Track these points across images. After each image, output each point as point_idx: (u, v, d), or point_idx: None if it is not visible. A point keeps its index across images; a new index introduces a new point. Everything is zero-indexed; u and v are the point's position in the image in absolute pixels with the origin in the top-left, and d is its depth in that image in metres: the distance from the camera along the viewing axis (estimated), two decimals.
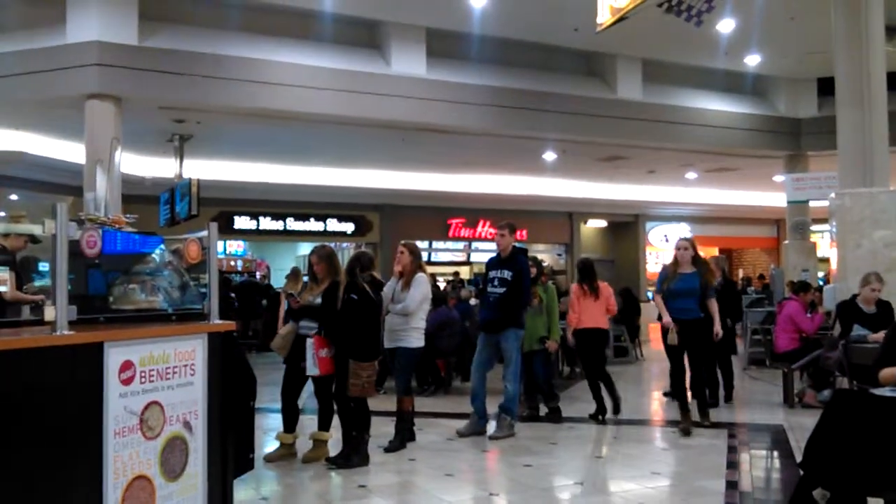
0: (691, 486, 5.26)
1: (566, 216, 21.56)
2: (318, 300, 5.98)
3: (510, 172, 17.50)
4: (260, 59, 10.95)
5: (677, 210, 22.55)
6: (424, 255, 19.87)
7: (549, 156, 15.44)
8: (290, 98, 11.18)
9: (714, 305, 7.14)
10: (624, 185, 19.80)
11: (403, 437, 6.45)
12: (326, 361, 5.86)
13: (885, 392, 3.57)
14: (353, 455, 5.82)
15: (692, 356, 7.14)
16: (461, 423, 7.09)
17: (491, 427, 7.00)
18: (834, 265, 9.15)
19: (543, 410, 7.81)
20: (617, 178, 18.60)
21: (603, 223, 23.16)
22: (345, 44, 11.93)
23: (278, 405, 6.22)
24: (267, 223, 18.79)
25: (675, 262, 7.33)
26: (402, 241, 6.94)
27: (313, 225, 19.25)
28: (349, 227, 19.58)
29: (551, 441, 6.73)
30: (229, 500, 3.52)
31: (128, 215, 3.74)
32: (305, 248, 19.19)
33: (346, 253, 20.17)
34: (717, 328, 7.06)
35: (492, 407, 7.03)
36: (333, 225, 19.45)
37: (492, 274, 7.20)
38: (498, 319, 7.02)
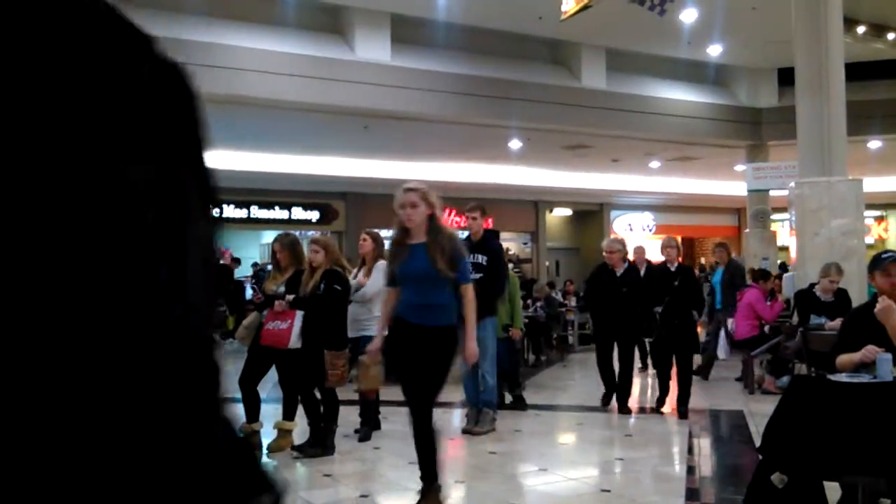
0: (654, 471, 5.33)
1: (532, 205, 21.65)
2: (282, 289, 5.91)
3: (475, 160, 17.51)
4: (222, 43, 10.79)
5: (641, 199, 22.78)
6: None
7: (515, 144, 15.49)
8: (253, 84, 11.04)
9: (468, 294, 4.46)
10: (589, 174, 19.93)
11: (371, 425, 6.44)
12: (275, 333, 5.78)
13: (841, 378, 3.65)
14: (320, 444, 5.80)
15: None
16: None
17: (456, 417, 7.00)
18: (793, 253, 9.31)
19: (508, 398, 7.84)
20: (582, 166, 18.71)
21: (568, 212, 23.31)
22: (308, 29, 11.82)
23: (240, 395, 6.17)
24: (230, 211, 18.57)
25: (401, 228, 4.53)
26: (365, 230, 6.88)
27: (278, 213, 19.08)
28: (314, 216, 19.44)
29: (516, 428, 6.76)
30: None
31: None
32: (269, 237, 19.04)
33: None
34: (471, 346, 4.43)
35: (457, 397, 7.03)
36: (298, 213, 19.30)
37: None
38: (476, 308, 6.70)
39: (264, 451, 5.93)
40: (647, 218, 23.61)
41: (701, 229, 26.48)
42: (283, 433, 6.04)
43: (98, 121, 0.53)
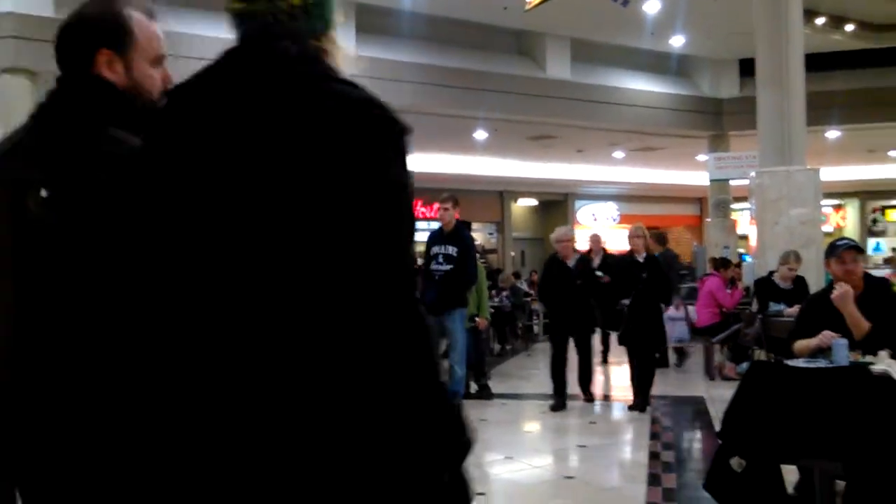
0: (617, 457, 5.40)
1: (497, 195, 21.69)
2: None
3: (441, 151, 17.50)
4: (183, 32, 10.61)
5: (605, 189, 22.95)
6: None
7: (480, 134, 15.50)
8: None
9: None
10: (554, 164, 20.03)
11: None
12: None
13: (798, 363, 3.72)
14: None
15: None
16: None
17: None
18: (753, 242, 9.46)
19: (474, 388, 7.87)
20: (547, 156, 18.80)
21: (534, 202, 23.41)
22: None
23: None
24: None
25: None
26: None
27: None
28: None
29: (482, 417, 6.79)
30: None
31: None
32: None
33: None
34: None
35: None
36: None
37: (435, 250, 6.88)
38: (445, 299, 6.70)
39: None
40: (612, 208, 23.81)
41: (664, 219, 26.75)
42: None
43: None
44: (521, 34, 14.20)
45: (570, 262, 7.32)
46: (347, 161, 1.13)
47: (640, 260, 7.24)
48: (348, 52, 1.36)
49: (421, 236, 7.44)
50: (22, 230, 1.44)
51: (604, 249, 9.02)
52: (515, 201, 22.70)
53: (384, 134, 1.19)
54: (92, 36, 1.59)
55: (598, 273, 7.70)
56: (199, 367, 1.15)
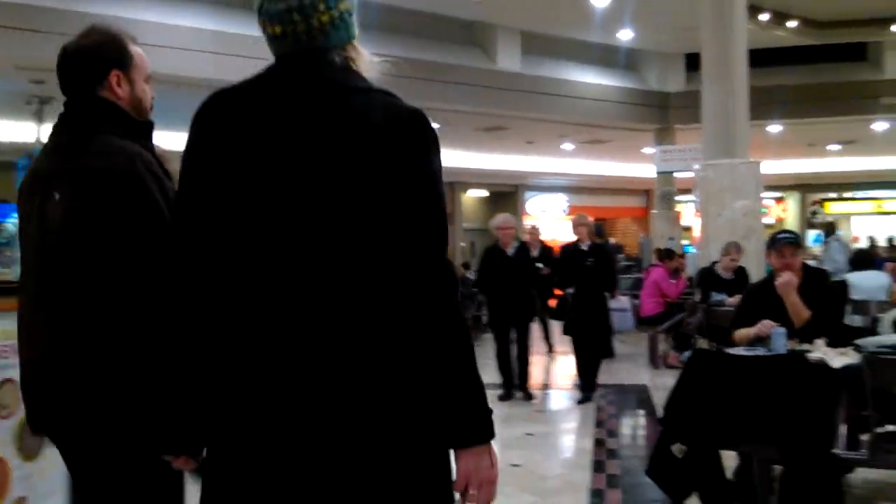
0: (562, 445, 5.47)
1: (448, 186, 21.62)
2: None
3: None
4: (130, 18, 10.36)
5: (555, 180, 23.15)
6: None
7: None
8: (164, 60, 10.64)
9: None
10: (504, 156, 20.12)
11: None
12: None
13: (738, 351, 3.81)
14: None
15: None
16: None
17: None
18: (697, 233, 9.65)
19: None
20: (497, 148, 18.87)
21: (484, 193, 23.49)
22: (222, 4, 11.49)
23: None
24: None
25: None
26: None
27: None
28: None
29: None
30: None
31: None
32: None
33: None
34: None
35: None
36: None
37: None
38: None
39: None
40: (561, 199, 24.04)
41: (612, 210, 27.13)
42: None
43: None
44: (472, 25, 14.20)
45: (510, 251, 7.19)
46: (413, 157, 1.47)
47: (585, 248, 7.18)
48: (369, 57, 1.63)
49: None
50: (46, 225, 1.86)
51: (541, 242, 8.92)
52: (466, 192, 22.75)
53: (428, 129, 1.52)
54: (106, 59, 1.99)
55: (539, 265, 7.61)
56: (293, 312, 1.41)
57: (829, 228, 16.24)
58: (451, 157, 19.55)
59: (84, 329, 1.83)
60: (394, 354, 1.41)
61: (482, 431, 1.43)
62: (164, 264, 1.52)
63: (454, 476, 1.44)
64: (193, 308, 1.47)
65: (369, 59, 1.63)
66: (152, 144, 2.02)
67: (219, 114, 1.53)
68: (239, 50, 11.21)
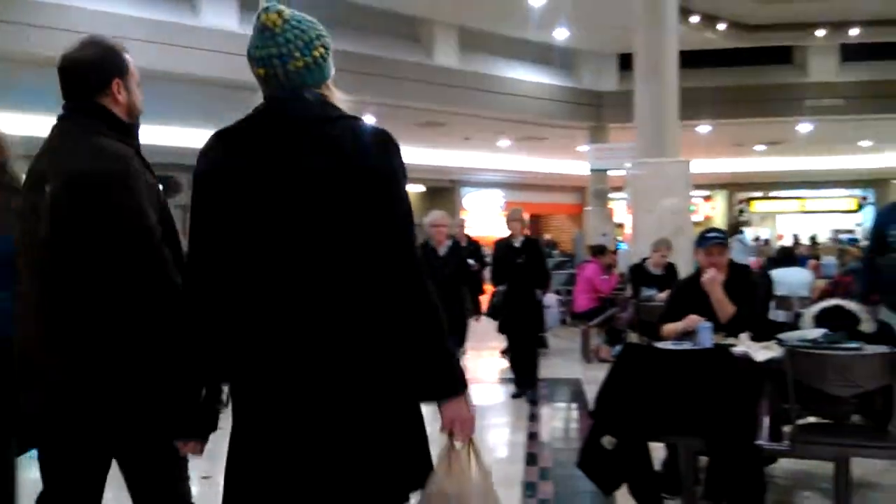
0: (496, 439, 5.51)
1: None
2: None
3: None
4: (66, 4, 10.03)
5: (491, 176, 23.29)
6: None
7: (368, 119, 15.30)
8: None
9: None
10: (441, 151, 20.14)
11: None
12: None
13: (666, 345, 3.89)
14: None
15: None
16: None
17: None
18: (628, 230, 9.83)
19: None
20: (435, 143, 18.87)
21: (421, 188, 23.48)
22: None
23: None
24: None
25: None
26: None
27: None
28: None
29: None
30: (11, 477, 3.06)
31: None
32: None
33: None
34: None
35: None
36: None
37: None
38: None
39: None
40: (497, 195, 24.19)
41: (547, 206, 27.44)
42: None
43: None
44: (409, 20, 14.15)
45: (442, 251, 6.90)
46: (383, 175, 1.81)
47: (517, 245, 7.01)
48: (341, 95, 1.96)
49: None
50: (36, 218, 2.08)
51: (468, 237, 8.76)
52: None
53: (396, 157, 1.85)
54: (108, 69, 2.24)
55: (469, 261, 7.48)
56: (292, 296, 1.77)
57: (733, 228, 16.74)
58: None
59: (80, 322, 2.06)
60: (372, 333, 1.78)
61: (455, 387, 1.84)
62: (181, 272, 1.98)
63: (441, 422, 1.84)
64: (203, 310, 1.81)
65: (340, 97, 1.96)
66: (138, 143, 2.33)
67: (218, 149, 1.88)
68: (176, 39, 10.96)
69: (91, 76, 2.22)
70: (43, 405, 2.11)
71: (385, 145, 1.85)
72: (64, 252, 2.05)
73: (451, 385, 1.84)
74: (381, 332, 1.79)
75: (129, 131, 2.28)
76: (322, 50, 1.93)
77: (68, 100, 2.24)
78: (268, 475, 1.78)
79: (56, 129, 2.22)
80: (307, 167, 1.77)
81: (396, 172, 1.83)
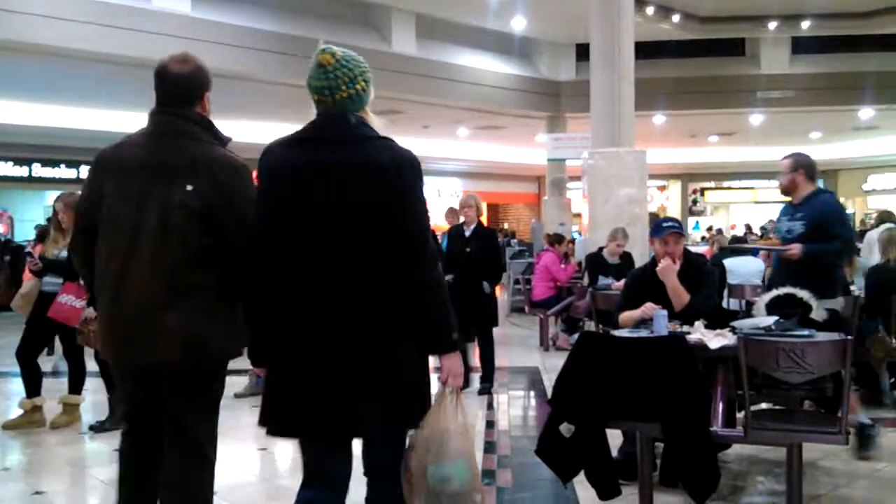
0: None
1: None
2: (64, 254, 5.40)
3: (284, 122, 16.99)
4: None
5: (450, 165, 23.29)
6: None
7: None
8: (36, 29, 10.03)
9: None
10: (399, 139, 19.81)
11: None
12: (68, 309, 5.34)
13: (623, 333, 3.93)
14: (109, 416, 5.45)
15: None
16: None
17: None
18: (585, 219, 9.90)
19: None
20: (393, 132, 18.62)
21: None
22: None
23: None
24: (8, 168, 16.92)
25: None
26: None
27: (64, 172, 17.61)
28: None
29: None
30: None
31: None
32: (55, 197, 17.52)
33: None
34: None
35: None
36: (87, 172, 17.92)
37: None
38: None
39: (47, 426, 5.50)
40: (456, 184, 24.19)
41: (506, 196, 27.55)
42: (69, 408, 5.63)
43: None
44: (366, 6, 14.03)
45: (468, 231, 6.65)
46: (405, 181, 2.37)
47: (467, 234, 6.60)
48: (377, 119, 2.51)
49: None
50: (173, 206, 2.59)
51: None
52: None
53: (416, 169, 2.44)
54: (204, 83, 2.80)
55: None
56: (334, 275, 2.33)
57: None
58: None
59: (196, 284, 2.63)
60: (393, 300, 2.35)
61: (452, 346, 2.43)
62: (249, 252, 2.42)
63: (441, 372, 2.43)
64: (266, 279, 2.38)
65: (376, 121, 2.51)
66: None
67: (278, 154, 2.42)
68: (121, 22, 10.70)
69: (191, 88, 2.76)
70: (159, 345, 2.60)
71: (411, 162, 2.42)
72: (204, 234, 2.62)
73: (449, 345, 2.42)
74: (398, 303, 2.35)
75: (218, 136, 2.79)
76: (363, 84, 2.48)
77: (167, 105, 2.74)
78: (302, 401, 2.34)
79: (159, 129, 2.73)
80: (355, 176, 2.34)
81: (417, 182, 2.43)
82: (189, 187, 2.58)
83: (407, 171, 2.38)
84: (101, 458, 4.92)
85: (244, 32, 11.95)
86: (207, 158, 2.65)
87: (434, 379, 2.41)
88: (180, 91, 2.72)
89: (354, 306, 2.31)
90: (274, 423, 2.40)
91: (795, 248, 4.65)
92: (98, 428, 5.43)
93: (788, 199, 5.09)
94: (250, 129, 17.58)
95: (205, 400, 2.72)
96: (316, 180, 2.33)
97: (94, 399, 6.13)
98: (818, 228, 4.72)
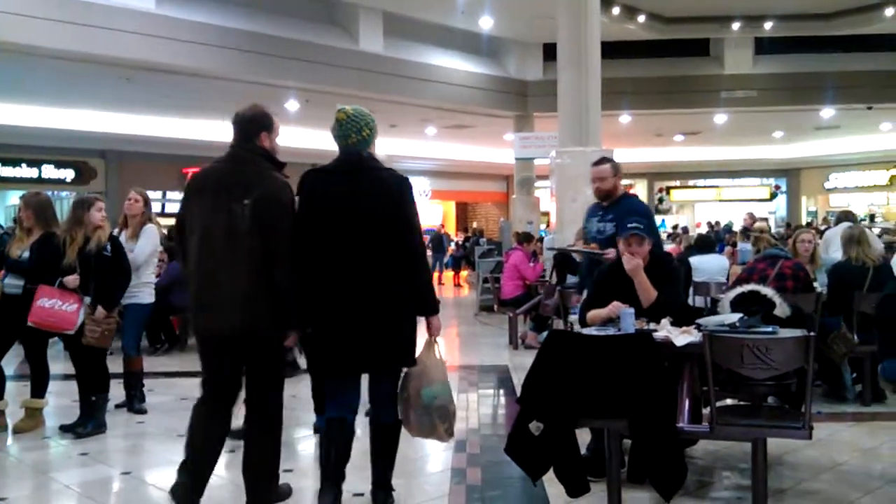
0: None
1: (310, 167, 21.26)
2: (26, 254, 5.29)
3: None
4: None
5: (418, 164, 23.27)
6: (157, 206, 18.72)
7: (292, 105, 15.13)
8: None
9: None
10: None
11: (137, 398, 6.08)
12: (58, 314, 5.24)
13: (591, 331, 3.96)
14: (91, 420, 5.36)
15: None
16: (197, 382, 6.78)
17: None
18: (553, 218, 9.95)
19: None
20: None
21: None
22: None
23: None
24: None
25: None
26: (136, 189, 6.36)
27: (26, 171, 17.33)
28: (69, 174, 17.87)
29: (292, 394, 6.66)
30: None
31: None
32: (17, 197, 17.20)
33: (67, 202, 18.38)
34: None
35: None
36: (50, 171, 17.64)
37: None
38: None
39: (9, 431, 5.39)
40: (424, 183, 24.18)
41: (474, 195, 27.59)
42: (32, 412, 5.52)
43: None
44: (333, 4, 13.98)
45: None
46: (402, 198, 3.52)
47: None
48: (381, 154, 3.60)
49: None
50: (233, 219, 3.44)
51: None
52: None
53: (410, 188, 3.57)
54: (261, 125, 3.63)
55: None
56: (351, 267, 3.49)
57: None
58: (313, 138, 19.17)
59: (261, 275, 3.46)
60: (395, 280, 3.50)
61: (436, 310, 3.63)
62: (296, 247, 3.47)
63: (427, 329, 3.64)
64: (307, 268, 3.48)
65: (379, 154, 3.62)
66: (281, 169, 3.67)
67: (314, 178, 3.61)
68: (83, 19, 10.53)
69: (251, 127, 3.61)
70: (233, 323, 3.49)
71: (408, 184, 3.59)
72: (256, 234, 3.44)
73: (433, 309, 3.64)
74: (399, 280, 3.51)
75: (281, 167, 3.65)
76: (368, 131, 3.60)
77: (236, 140, 3.61)
78: (336, 350, 3.49)
79: (233, 158, 3.61)
80: (367, 193, 3.49)
81: (412, 197, 3.58)
82: (245, 201, 3.43)
83: (406, 191, 3.54)
84: (65, 463, 4.84)
85: (209, 30, 11.84)
86: (258, 179, 3.50)
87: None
88: (243, 130, 3.61)
89: (371, 284, 3.45)
90: (320, 368, 3.57)
91: (612, 253, 4.64)
92: (68, 428, 5.33)
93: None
94: (218, 130, 17.46)
95: (263, 367, 3.58)
96: (341, 197, 3.48)
97: (59, 403, 6.03)
98: None
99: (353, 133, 3.53)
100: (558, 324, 7.80)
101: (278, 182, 3.56)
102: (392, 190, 3.47)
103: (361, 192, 3.45)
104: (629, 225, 4.43)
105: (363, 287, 3.44)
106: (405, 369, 3.59)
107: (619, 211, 4.93)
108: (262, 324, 3.49)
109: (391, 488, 3.77)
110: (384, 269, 3.45)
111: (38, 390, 5.55)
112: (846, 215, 9.49)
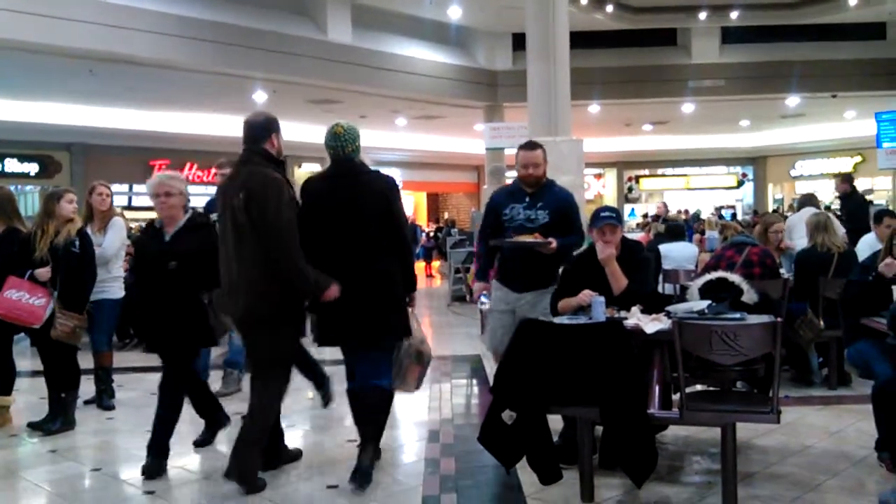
0: (398, 417, 5.51)
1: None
2: None
3: (216, 111, 16.68)
4: None
5: (388, 155, 23.18)
6: (124, 200, 18.47)
7: (260, 96, 14.97)
8: None
9: None
10: None
11: (106, 393, 6.00)
12: (24, 307, 5.11)
13: (562, 320, 3.99)
14: (60, 417, 5.28)
15: None
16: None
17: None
18: None
19: None
20: (330, 121, 18.37)
21: (317, 167, 23.09)
22: None
23: None
24: None
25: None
26: (102, 182, 6.24)
27: None
28: (33, 168, 17.57)
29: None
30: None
31: None
32: None
33: (31, 196, 18.08)
34: None
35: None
36: (13, 165, 17.33)
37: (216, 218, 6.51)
38: None
39: None
40: (395, 174, 24.09)
41: (445, 185, 27.58)
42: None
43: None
44: None
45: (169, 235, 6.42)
46: (390, 196, 4.15)
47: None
48: (368, 160, 4.26)
49: (198, 201, 6.96)
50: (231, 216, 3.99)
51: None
52: (300, 166, 22.27)
53: (397, 188, 4.27)
54: (271, 128, 4.16)
55: None
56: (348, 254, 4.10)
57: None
58: (283, 130, 19.03)
59: (262, 265, 3.93)
60: (386, 265, 4.11)
61: (415, 287, 4.31)
62: (304, 240, 3.97)
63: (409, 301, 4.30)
64: (315, 257, 4.00)
65: (368, 160, 4.23)
66: (284, 170, 4.14)
67: (313, 183, 4.23)
68: (39, 8, 10.32)
69: (261, 131, 4.11)
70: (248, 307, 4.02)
71: (395, 184, 4.24)
72: (251, 225, 3.90)
73: (413, 287, 4.28)
74: (389, 265, 4.11)
75: (280, 164, 4.13)
76: (358, 142, 4.17)
77: (246, 144, 4.10)
78: (339, 323, 4.09)
79: (238, 160, 4.14)
80: (363, 193, 4.08)
81: (398, 196, 4.21)
82: (240, 196, 3.90)
83: (394, 190, 4.17)
84: (34, 461, 4.78)
85: (174, 20, 11.68)
86: (249, 176, 3.96)
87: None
88: (249, 134, 4.10)
89: (369, 269, 4.05)
90: (325, 339, 4.18)
91: (554, 242, 4.64)
92: (36, 425, 5.25)
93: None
94: (184, 121, 17.25)
95: (269, 341, 4.03)
96: (341, 197, 4.07)
97: (28, 399, 5.94)
98: (563, 218, 4.80)
99: (349, 144, 4.09)
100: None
101: (266, 177, 3.96)
102: (384, 190, 4.09)
103: (358, 192, 4.04)
104: (602, 214, 4.45)
105: (365, 273, 4.02)
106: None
107: (550, 199, 4.84)
108: (265, 308, 3.94)
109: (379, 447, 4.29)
110: (381, 257, 4.06)
111: (5, 388, 5.46)
112: (809, 199, 9.58)
